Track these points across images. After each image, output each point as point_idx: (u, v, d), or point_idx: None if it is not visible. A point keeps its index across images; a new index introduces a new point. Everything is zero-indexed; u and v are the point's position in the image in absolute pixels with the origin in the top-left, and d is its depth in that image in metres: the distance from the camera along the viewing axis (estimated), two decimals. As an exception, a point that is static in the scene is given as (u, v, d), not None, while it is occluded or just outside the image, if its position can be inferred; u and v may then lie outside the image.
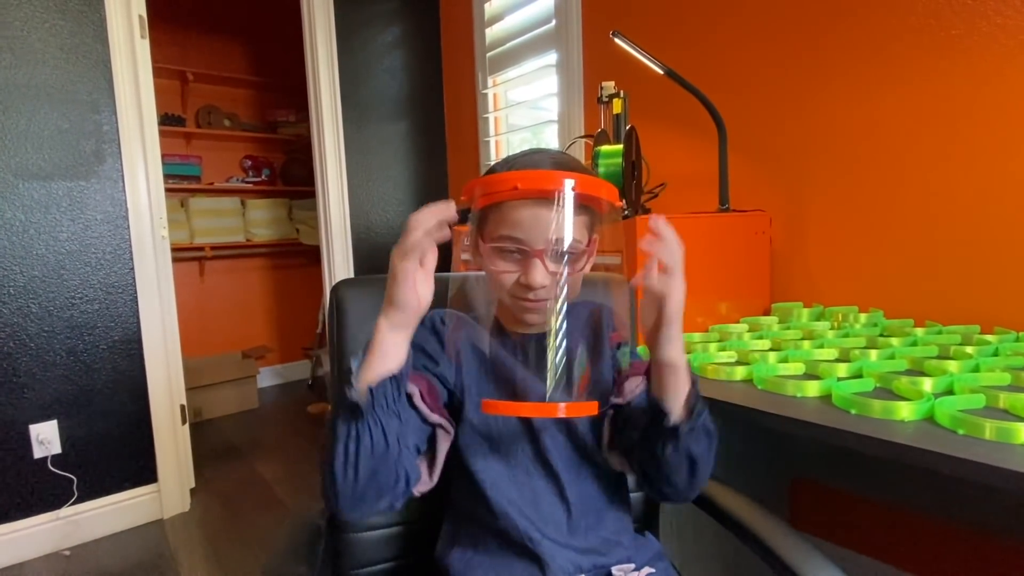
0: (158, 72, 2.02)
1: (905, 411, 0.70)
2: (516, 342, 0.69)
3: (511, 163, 0.64)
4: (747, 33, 1.46)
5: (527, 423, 0.68)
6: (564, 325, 0.58)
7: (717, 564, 1.18)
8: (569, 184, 0.55)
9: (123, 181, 1.81)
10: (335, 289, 0.78)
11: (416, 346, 0.61)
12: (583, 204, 0.61)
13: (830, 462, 1.29)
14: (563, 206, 0.56)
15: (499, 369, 0.68)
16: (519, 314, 0.64)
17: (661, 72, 1.31)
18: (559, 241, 0.59)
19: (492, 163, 2.43)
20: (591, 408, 0.55)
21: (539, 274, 0.59)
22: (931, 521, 1.21)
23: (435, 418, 0.62)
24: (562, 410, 0.53)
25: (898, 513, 1.26)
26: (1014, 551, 1.10)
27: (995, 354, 0.92)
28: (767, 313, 1.34)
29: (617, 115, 1.34)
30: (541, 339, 0.64)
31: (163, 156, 1.93)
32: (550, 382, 0.56)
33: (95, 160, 1.77)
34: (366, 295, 0.78)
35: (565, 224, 0.57)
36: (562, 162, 0.64)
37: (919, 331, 1.08)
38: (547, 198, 0.58)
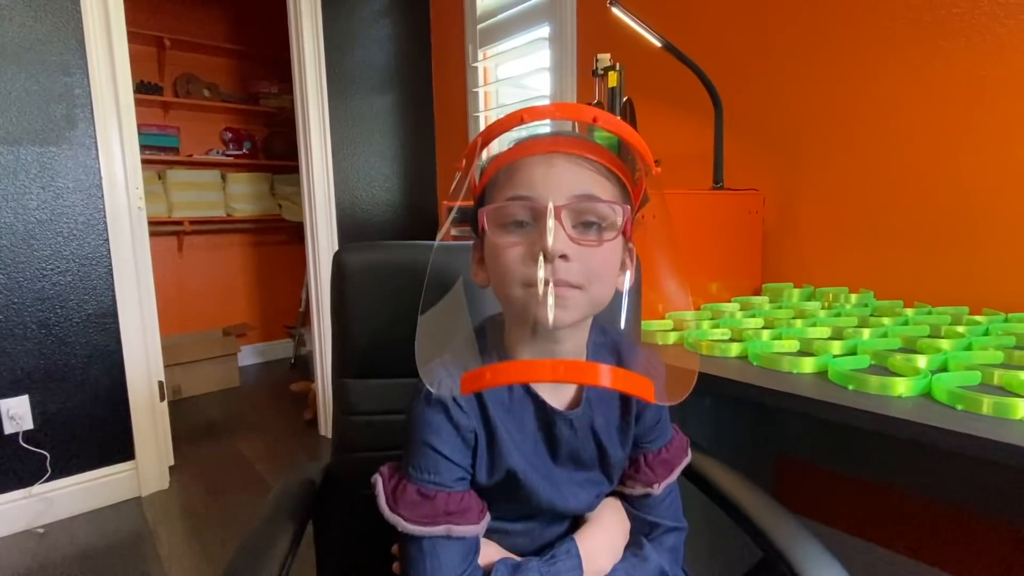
0: (133, 37, 1.93)
1: (902, 387, 0.69)
2: (542, 413, 0.56)
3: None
4: (745, 10, 1.43)
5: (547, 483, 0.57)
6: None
7: (702, 540, 1.18)
8: (587, 114, 0.46)
9: (96, 148, 1.74)
10: (337, 255, 0.77)
11: (444, 455, 0.53)
12: (609, 168, 0.51)
13: (815, 440, 1.31)
14: (584, 153, 0.48)
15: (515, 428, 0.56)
16: (532, 309, 0.48)
17: (659, 45, 1.28)
18: (585, 199, 0.48)
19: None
20: (646, 387, 0.38)
21: (558, 238, 0.46)
22: (914, 500, 1.23)
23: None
24: (606, 376, 0.37)
25: (881, 492, 1.28)
26: (996, 529, 1.12)
27: (986, 333, 0.92)
28: (758, 293, 1.34)
29: (612, 88, 1.30)
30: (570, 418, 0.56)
31: (139, 126, 1.86)
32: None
33: (66, 125, 1.69)
34: (368, 261, 0.77)
35: (587, 174, 0.48)
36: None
37: (909, 311, 1.09)
38: (562, 149, 0.49)
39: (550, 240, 0.46)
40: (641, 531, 0.62)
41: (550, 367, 0.38)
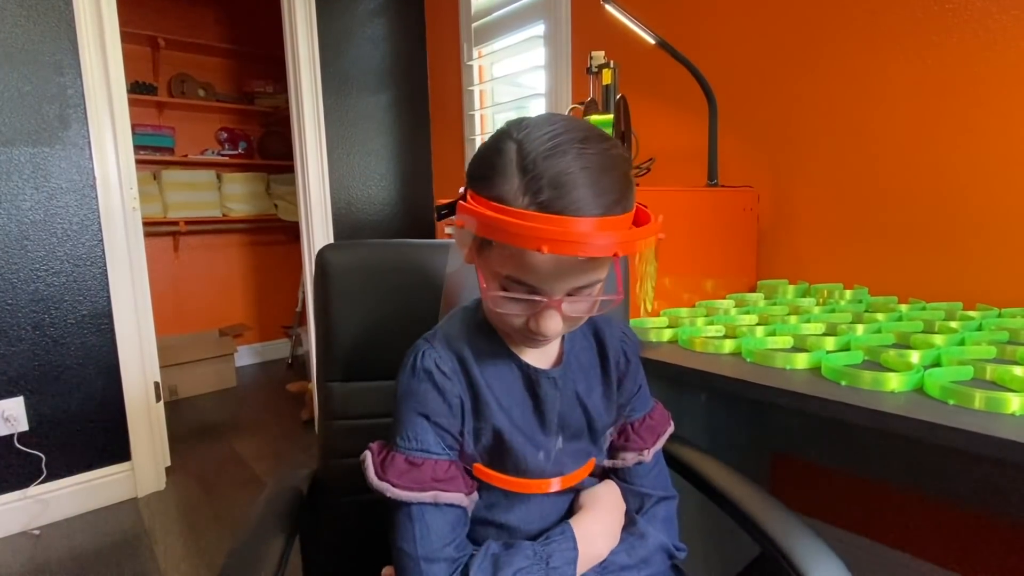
0: (128, 37, 1.93)
1: (895, 382, 0.70)
2: (526, 374, 0.58)
3: (537, 190, 0.44)
4: (739, 8, 1.43)
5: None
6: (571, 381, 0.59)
7: (696, 534, 1.18)
8: (605, 241, 0.43)
9: (90, 148, 1.73)
10: (320, 254, 0.75)
11: (432, 421, 0.54)
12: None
13: (810, 436, 1.31)
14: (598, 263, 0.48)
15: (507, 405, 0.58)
16: (523, 344, 0.56)
17: (653, 42, 1.28)
18: (583, 289, 0.50)
19: (477, 138, 2.35)
20: (585, 471, 0.59)
21: (554, 324, 0.49)
22: (907, 495, 1.23)
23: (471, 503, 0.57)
24: (556, 485, 0.57)
25: (874, 487, 1.29)
26: (987, 523, 1.13)
27: (979, 329, 0.93)
28: (753, 290, 1.34)
29: (607, 86, 1.30)
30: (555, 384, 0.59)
31: (134, 126, 1.85)
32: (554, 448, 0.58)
33: (59, 125, 1.69)
34: (353, 260, 0.76)
35: (597, 272, 0.49)
36: (606, 187, 0.44)
37: (903, 307, 1.09)
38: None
39: (550, 327, 0.49)
40: (632, 506, 0.64)
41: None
